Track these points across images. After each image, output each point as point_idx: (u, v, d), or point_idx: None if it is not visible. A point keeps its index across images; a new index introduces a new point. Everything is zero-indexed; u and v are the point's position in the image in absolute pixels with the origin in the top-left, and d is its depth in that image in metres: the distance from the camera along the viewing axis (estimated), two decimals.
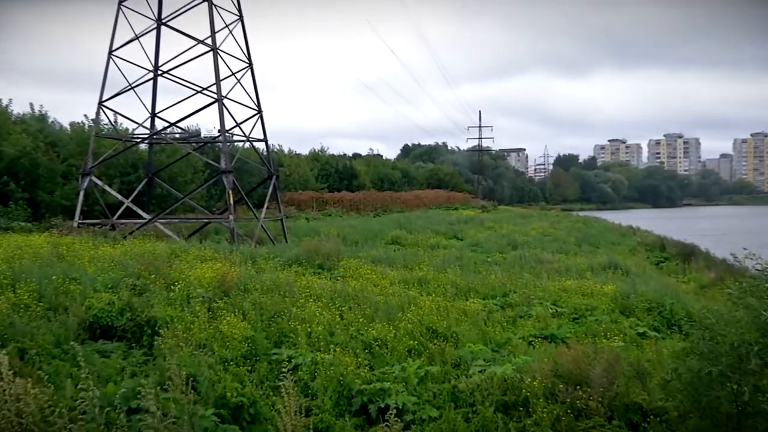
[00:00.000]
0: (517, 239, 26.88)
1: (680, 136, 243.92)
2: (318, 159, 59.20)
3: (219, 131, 23.40)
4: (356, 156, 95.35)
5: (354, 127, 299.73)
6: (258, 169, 36.94)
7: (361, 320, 9.71)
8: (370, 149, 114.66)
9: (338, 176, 58.86)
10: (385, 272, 15.12)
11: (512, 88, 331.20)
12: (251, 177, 41.26)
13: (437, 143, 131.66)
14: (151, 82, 24.82)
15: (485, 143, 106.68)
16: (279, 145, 61.87)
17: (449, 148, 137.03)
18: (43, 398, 5.41)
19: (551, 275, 15.96)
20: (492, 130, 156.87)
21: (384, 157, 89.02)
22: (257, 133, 27.43)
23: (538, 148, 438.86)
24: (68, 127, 32.88)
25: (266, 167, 26.43)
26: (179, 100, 24.71)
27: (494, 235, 29.49)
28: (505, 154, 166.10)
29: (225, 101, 22.95)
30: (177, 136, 29.28)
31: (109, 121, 27.96)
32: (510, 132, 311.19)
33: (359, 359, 8.09)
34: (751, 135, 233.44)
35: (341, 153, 78.51)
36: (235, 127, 24.84)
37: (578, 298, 12.66)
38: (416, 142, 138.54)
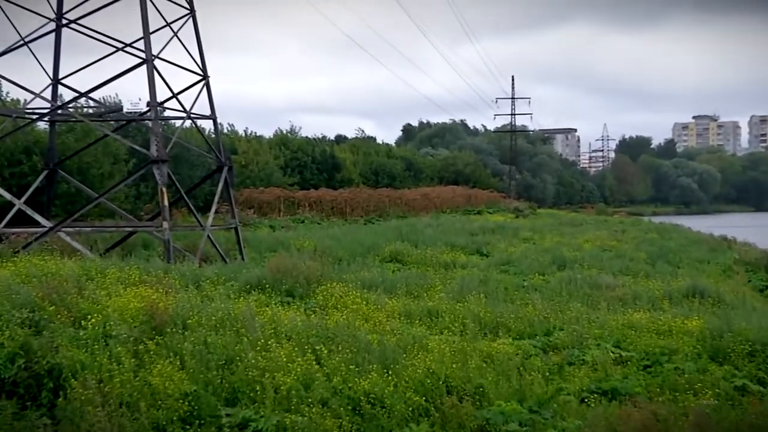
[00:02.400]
0: (565, 255, 26.97)
1: None
2: (286, 143, 59.42)
3: (148, 104, 23.41)
4: (340, 139, 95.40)
5: (336, 99, 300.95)
6: (203, 158, 36.98)
7: (347, 368, 9.74)
8: (359, 130, 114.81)
9: (315, 167, 59.05)
10: (381, 301, 15.15)
11: (555, 43, 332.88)
12: (194, 168, 41.34)
13: (453, 121, 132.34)
14: (53, 35, 24.85)
15: (520, 121, 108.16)
16: (231, 124, 62.13)
17: (471, 128, 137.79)
18: None
19: (612, 306, 16.02)
20: (530, 103, 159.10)
21: (379, 141, 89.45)
22: (202, 108, 27.52)
23: (594, 127, 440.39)
24: None
25: (214, 155, 26.47)
26: (92, 60, 24.74)
27: (533, 250, 29.57)
28: (548, 136, 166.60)
29: (156, 63, 23.00)
30: (90, 111, 29.27)
31: None
32: (555, 106, 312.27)
33: (344, 422, 8.11)
34: None
35: (319, 135, 78.84)
36: (171, 98, 24.86)
37: (651, 338, 12.72)
38: (423, 120, 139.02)
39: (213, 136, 27.86)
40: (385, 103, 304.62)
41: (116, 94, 41.60)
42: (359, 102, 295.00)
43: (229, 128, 59.63)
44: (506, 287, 18.90)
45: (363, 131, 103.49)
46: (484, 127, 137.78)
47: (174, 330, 10.78)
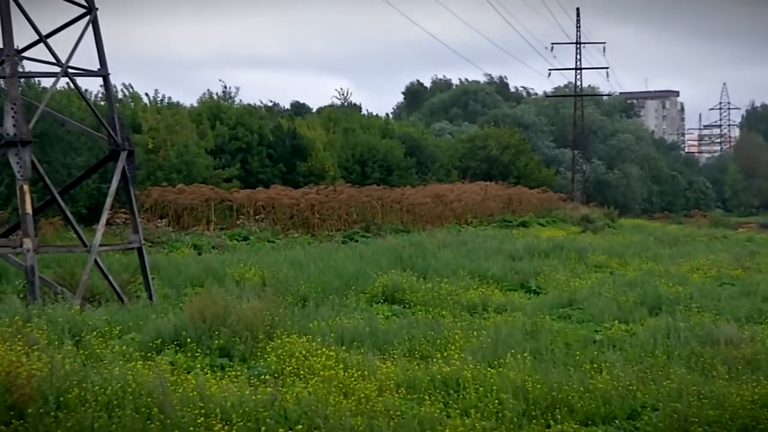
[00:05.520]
0: (661, 292, 26.99)
1: None
2: (218, 115, 59.35)
3: (1, 54, 23.46)
4: (302, 109, 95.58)
5: (289, 46, 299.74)
6: (87, 139, 36.81)
7: None
8: (338, 94, 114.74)
9: (265, 152, 58.97)
10: (369, 365, 15.20)
11: None
12: (72, 154, 41.23)
13: (486, 79, 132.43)
14: None
15: (589, 80, 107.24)
16: (130, 85, 61.92)
17: (512, 91, 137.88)
18: None
19: (736, 372, 16.05)
20: (604, 50, 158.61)
21: (367, 113, 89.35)
22: (85, 59, 27.53)
23: (707, 90, 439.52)
24: None
25: (105, 133, 26.49)
26: None
27: (609, 284, 29.57)
28: (634, 103, 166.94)
29: None
30: None
31: None
32: (643, 56, 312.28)
33: None
34: None
35: (268, 102, 78.91)
36: (36, 44, 24.91)
37: None
38: (439, 77, 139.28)
39: (103, 103, 27.88)
40: (373, 52, 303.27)
41: None
42: (327, 51, 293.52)
43: (128, 91, 59.63)
44: (567, 343, 18.93)
45: (341, 96, 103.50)
46: (526, 90, 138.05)
47: (43, 410, 10.76)
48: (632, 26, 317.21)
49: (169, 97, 62.69)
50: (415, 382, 14.49)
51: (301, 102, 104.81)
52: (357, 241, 45.59)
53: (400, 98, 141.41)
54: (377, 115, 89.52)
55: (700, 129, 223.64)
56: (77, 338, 15.46)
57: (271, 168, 58.50)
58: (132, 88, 59.93)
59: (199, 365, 14.63)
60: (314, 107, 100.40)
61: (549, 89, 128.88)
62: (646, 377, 15.23)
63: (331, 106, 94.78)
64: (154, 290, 25.05)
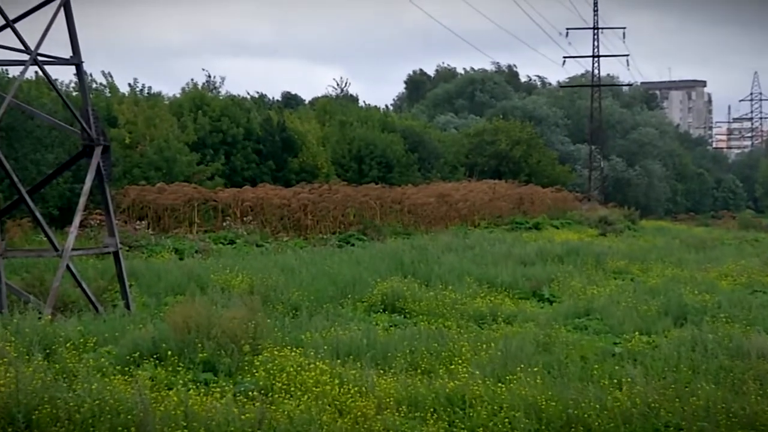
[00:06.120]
0: (686, 300, 26.97)
1: None
2: (202, 108, 59.13)
3: None
4: (293, 101, 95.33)
5: (286, 34, 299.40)
6: (58, 133, 36.76)
7: None
8: (335, 85, 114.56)
9: (253, 148, 58.83)
10: (367, 380, 15.20)
11: None
12: (42, 149, 41.19)
13: (494, 68, 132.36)
14: None
15: (608, 68, 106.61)
16: (110, 74, 61.87)
17: (523, 80, 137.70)
18: None
19: None
20: (624, 37, 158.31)
21: (365, 105, 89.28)
22: (57, 47, 27.56)
23: (737, 79, 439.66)
24: None
25: (78, 127, 26.49)
26: None
27: (630, 291, 29.56)
28: (656, 94, 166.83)
29: None
30: None
31: None
32: (667, 43, 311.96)
33: None
34: None
35: (255, 94, 78.82)
36: (3, 29, 24.91)
37: None
38: (444, 64, 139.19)
39: (76, 94, 27.81)
40: (371, 38, 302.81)
41: None
42: (321, 37, 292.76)
43: (105, 81, 59.49)
44: (583, 356, 18.94)
45: (337, 87, 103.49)
46: (540, 79, 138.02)
47: (10, 429, 10.77)
48: (654, 10, 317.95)
49: (149, 88, 62.53)
50: (418, 399, 14.49)
51: (293, 93, 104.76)
52: (353, 244, 45.50)
53: (401, 89, 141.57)
54: (376, 107, 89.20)
55: (729, 122, 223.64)
56: (48, 351, 15.45)
57: (259, 165, 58.32)
58: (111, 77, 59.71)
59: (181, 380, 14.60)
60: (307, 98, 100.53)
61: (563, 79, 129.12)
62: (670, 394, 15.22)
63: (326, 97, 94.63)
64: (131, 298, 25.04)
